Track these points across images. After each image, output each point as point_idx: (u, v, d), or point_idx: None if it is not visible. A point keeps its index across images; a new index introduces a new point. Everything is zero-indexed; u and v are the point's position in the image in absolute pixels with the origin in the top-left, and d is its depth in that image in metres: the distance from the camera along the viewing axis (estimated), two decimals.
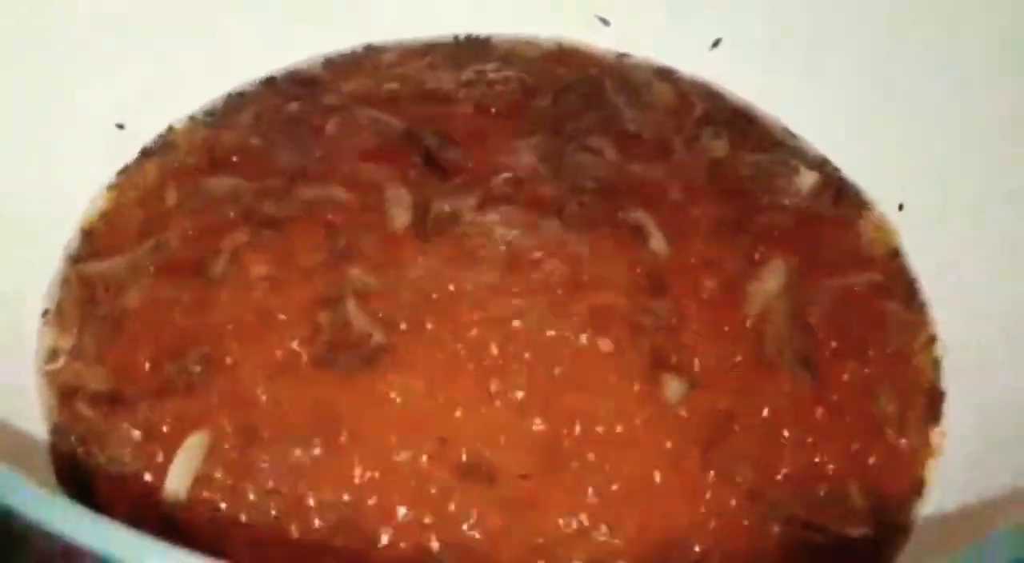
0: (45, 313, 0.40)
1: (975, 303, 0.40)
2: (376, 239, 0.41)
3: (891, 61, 0.46)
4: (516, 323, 0.39)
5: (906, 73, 0.46)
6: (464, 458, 0.37)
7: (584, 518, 0.36)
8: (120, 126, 0.45)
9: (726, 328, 0.40)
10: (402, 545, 0.36)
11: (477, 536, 0.36)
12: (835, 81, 0.48)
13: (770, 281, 0.42)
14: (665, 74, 0.51)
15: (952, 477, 0.37)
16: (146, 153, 0.46)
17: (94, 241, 0.43)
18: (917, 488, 0.38)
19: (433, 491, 0.36)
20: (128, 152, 0.45)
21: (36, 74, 0.42)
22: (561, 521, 0.36)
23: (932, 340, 0.41)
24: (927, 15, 0.44)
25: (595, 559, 0.35)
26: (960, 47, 0.44)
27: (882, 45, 0.47)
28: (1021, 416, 0.35)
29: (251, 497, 0.36)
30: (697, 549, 0.36)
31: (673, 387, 0.38)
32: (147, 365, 0.39)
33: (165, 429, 0.37)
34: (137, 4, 0.45)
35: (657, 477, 0.37)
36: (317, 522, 0.36)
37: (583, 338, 0.39)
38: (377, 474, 0.36)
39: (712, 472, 0.37)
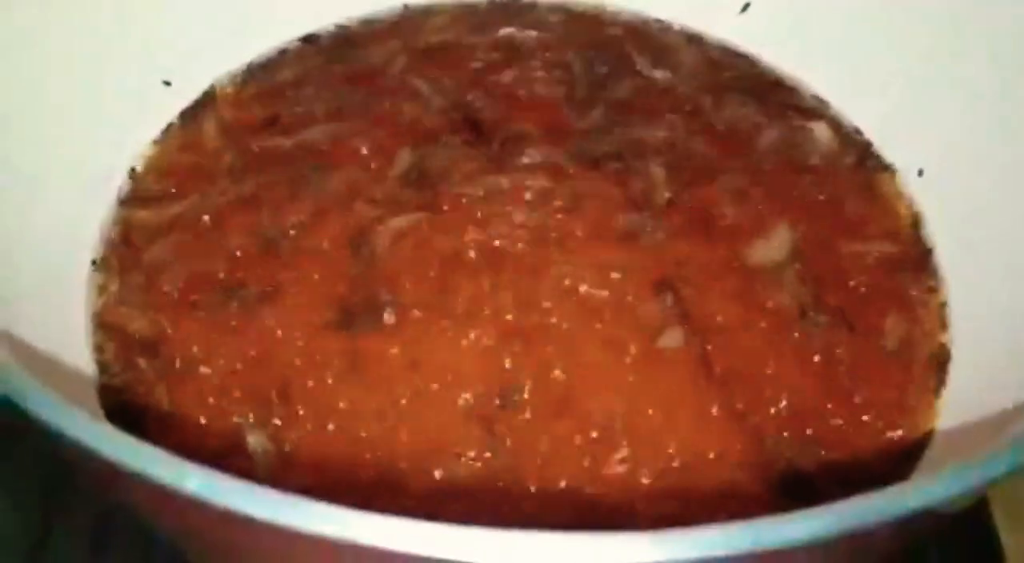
0: (94, 262, 0.43)
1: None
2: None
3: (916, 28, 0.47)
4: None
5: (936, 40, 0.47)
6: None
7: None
8: (167, 83, 0.47)
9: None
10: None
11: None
12: (860, 48, 0.49)
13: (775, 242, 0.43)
14: (694, 39, 0.52)
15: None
16: (188, 111, 0.48)
17: (141, 190, 0.45)
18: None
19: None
20: (173, 108, 0.47)
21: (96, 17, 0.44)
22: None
23: (943, 305, 0.43)
24: None
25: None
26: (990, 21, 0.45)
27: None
28: None
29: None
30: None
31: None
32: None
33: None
34: None
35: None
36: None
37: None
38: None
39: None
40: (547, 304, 0.40)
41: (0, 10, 0.41)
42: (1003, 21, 0.44)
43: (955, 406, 0.39)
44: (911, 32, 0.47)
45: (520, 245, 0.41)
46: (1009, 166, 0.42)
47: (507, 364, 0.39)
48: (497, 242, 0.40)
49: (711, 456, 0.38)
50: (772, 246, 0.43)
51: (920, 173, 0.46)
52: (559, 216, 0.42)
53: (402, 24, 0.52)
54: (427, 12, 0.52)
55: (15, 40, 0.41)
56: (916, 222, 0.45)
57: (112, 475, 0.26)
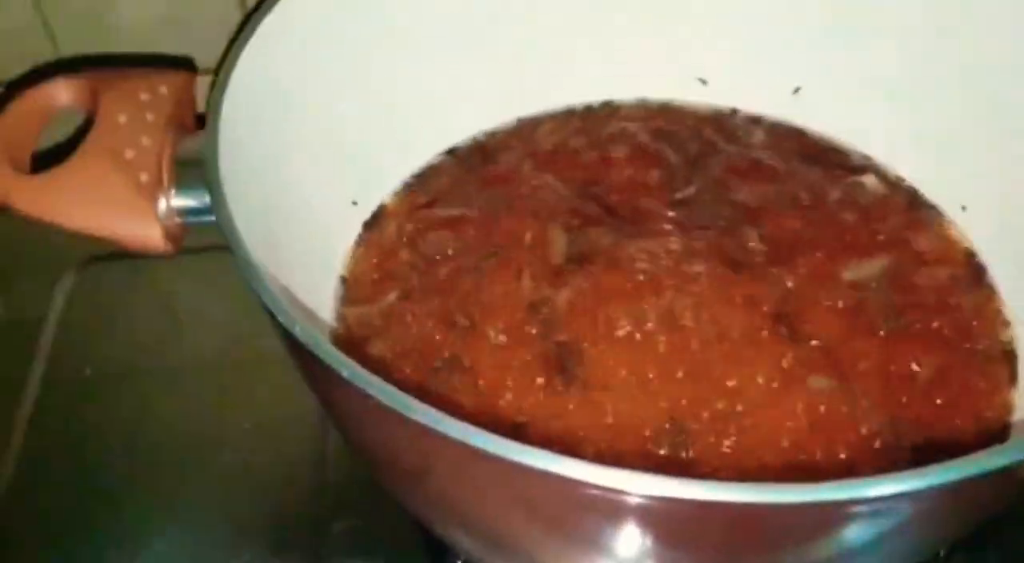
0: None
1: None
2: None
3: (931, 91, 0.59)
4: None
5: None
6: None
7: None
8: (355, 203, 0.58)
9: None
10: None
11: None
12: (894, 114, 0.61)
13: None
14: (755, 120, 0.64)
15: None
16: (369, 222, 0.58)
17: (352, 293, 0.56)
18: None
19: None
20: (358, 222, 0.58)
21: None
22: None
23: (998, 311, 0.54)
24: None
25: None
26: None
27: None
28: None
29: None
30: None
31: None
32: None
33: None
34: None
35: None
36: None
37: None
38: None
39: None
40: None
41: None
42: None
43: None
44: (931, 95, 0.59)
45: (671, 290, 0.52)
46: None
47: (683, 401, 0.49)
48: (667, 292, 0.51)
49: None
50: (863, 267, 0.55)
51: (964, 208, 0.58)
52: (698, 271, 0.53)
53: (521, 132, 0.63)
54: (536, 122, 0.64)
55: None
56: (968, 249, 0.57)
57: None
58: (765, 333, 0.51)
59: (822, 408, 0.48)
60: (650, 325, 0.51)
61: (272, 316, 0.39)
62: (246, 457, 0.57)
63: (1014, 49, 0.55)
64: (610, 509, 0.36)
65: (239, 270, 0.40)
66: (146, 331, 0.63)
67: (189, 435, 0.59)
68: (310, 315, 0.50)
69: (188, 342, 0.63)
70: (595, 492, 0.34)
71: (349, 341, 0.54)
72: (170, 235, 0.44)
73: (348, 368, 0.36)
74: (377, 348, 0.53)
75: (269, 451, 0.58)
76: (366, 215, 0.58)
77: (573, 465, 0.33)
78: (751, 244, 0.56)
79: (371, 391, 0.36)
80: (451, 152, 0.62)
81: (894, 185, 0.60)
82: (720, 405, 0.48)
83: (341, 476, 0.57)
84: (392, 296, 0.54)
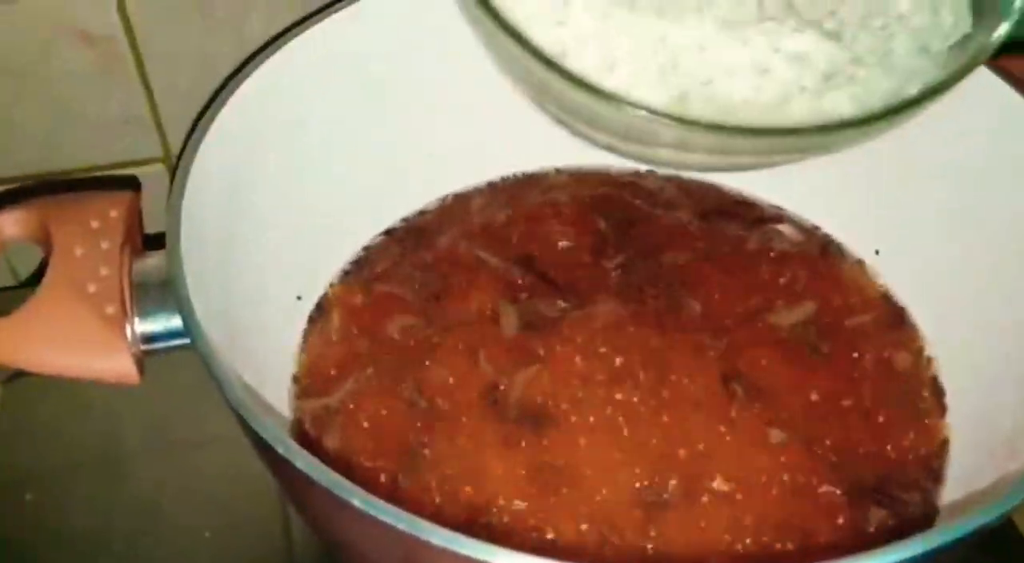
0: None
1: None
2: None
3: None
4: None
5: None
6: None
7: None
8: (299, 297, 0.58)
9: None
10: None
11: None
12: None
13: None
14: (670, 179, 0.67)
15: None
16: (314, 314, 0.59)
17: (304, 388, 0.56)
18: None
19: None
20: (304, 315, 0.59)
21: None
22: None
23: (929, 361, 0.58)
24: None
25: None
26: None
27: None
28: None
29: None
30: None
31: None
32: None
33: None
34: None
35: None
36: None
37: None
38: None
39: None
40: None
41: None
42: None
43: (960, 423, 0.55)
44: None
45: (621, 359, 0.54)
46: (953, 233, 0.57)
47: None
48: (618, 360, 0.54)
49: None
50: (794, 312, 0.58)
51: (877, 252, 0.61)
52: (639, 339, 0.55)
53: (452, 210, 0.64)
54: (465, 197, 0.65)
55: None
56: (885, 291, 0.60)
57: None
58: (718, 393, 0.53)
59: (786, 475, 0.51)
60: (608, 398, 0.53)
61: (243, 422, 0.39)
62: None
63: None
64: None
65: (221, 391, 0.40)
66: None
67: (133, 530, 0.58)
68: (270, 410, 0.50)
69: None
70: None
71: (306, 435, 0.54)
72: (138, 364, 0.44)
73: (316, 471, 0.37)
74: (334, 441, 0.53)
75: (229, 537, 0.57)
76: (311, 308, 0.59)
77: None
78: (688, 303, 0.59)
79: (342, 495, 0.37)
80: (388, 233, 0.63)
81: (809, 232, 0.64)
82: (689, 474, 0.51)
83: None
84: (344, 387, 0.55)
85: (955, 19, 0.45)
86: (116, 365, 0.42)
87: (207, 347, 0.41)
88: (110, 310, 0.42)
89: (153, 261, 0.46)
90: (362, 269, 0.61)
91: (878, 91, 0.43)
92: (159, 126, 0.66)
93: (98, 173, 0.64)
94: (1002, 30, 0.43)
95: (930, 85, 0.43)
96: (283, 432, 0.38)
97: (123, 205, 0.46)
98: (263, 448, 0.39)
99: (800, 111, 0.43)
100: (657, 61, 0.43)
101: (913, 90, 0.43)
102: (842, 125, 0.42)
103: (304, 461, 0.37)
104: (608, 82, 0.42)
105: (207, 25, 0.62)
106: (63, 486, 0.59)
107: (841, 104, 0.43)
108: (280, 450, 0.37)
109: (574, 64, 0.42)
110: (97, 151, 0.66)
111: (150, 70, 0.64)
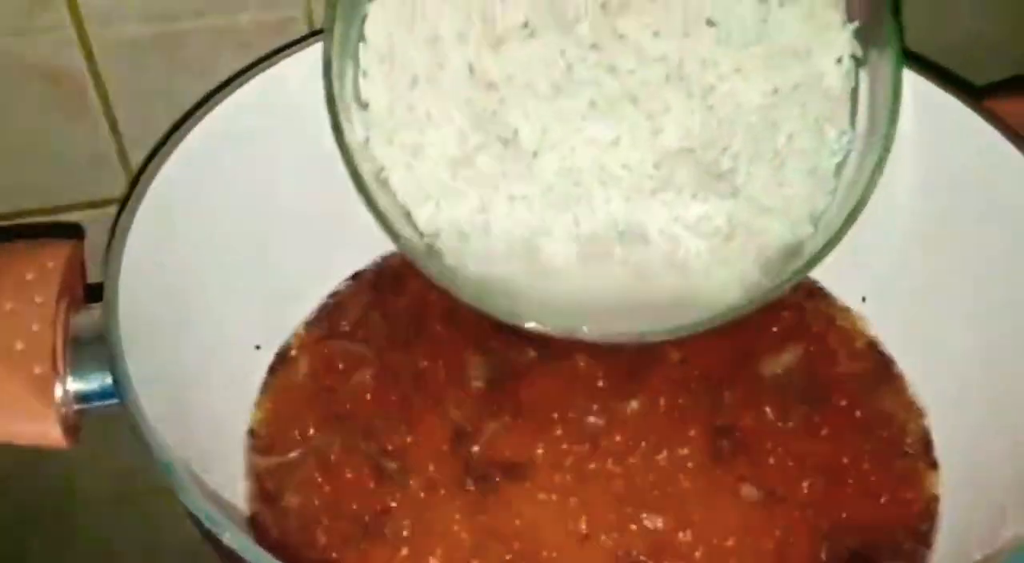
0: None
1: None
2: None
3: None
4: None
5: None
6: None
7: None
8: (258, 347, 0.55)
9: None
10: None
11: None
12: None
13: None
14: None
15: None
16: (275, 365, 0.56)
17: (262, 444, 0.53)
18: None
19: None
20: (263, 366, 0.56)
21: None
22: None
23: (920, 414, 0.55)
24: None
25: None
26: None
27: None
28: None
29: None
30: None
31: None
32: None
33: None
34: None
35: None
36: None
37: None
38: None
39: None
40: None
41: None
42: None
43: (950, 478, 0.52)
44: None
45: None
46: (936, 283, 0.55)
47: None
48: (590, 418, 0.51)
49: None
50: (780, 360, 0.56)
51: (864, 299, 0.59)
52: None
53: None
54: None
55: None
56: (872, 339, 0.58)
57: None
58: (707, 451, 0.51)
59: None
60: (585, 457, 0.51)
61: (189, 511, 0.37)
62: None
63: None
64: None
65: (145, 451, 0.38)
66: None
67: None
68: (217, 484, 0.48)
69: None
70: None
71: (263, 495, 0.52)
72: (68, 425, 0.42)
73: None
74: (294, 501, 0.51)
75: None
76: (270, 358, 0.56)
77: None
78: (666, 352, 0.56)
79: None
80: (355, 277, 0.60)
81: None
82: (662, 540, 0.48)
83: None
84: (305, 444, 0.53)
85: (838, 132, 0.49)
86: (41, 429, 0.40)
87: (136, 409, 0.38)
88: (38, 370, 0.40)
89: (94, 314, 0.44)
90: (328, 317, 0.58)
91: (776, 238, 0.49)
92: (126, 165, 0.64)
93: (43, 219, 0.62)
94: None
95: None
96: (206, 503, 0.36)
97: (62, 256, 0.44)
98: (192, 519, 0.37)
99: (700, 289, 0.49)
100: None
101: (807, 227, 0.50)
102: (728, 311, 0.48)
103: (232, 536, 0.35)
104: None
105: (175, 65, 0.61)
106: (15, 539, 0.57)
107: (731, 289, 0.49)
108: (206, 524, 0.35)
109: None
110: (62, 191, 0.64)
111: (116, 108, 0.62)
